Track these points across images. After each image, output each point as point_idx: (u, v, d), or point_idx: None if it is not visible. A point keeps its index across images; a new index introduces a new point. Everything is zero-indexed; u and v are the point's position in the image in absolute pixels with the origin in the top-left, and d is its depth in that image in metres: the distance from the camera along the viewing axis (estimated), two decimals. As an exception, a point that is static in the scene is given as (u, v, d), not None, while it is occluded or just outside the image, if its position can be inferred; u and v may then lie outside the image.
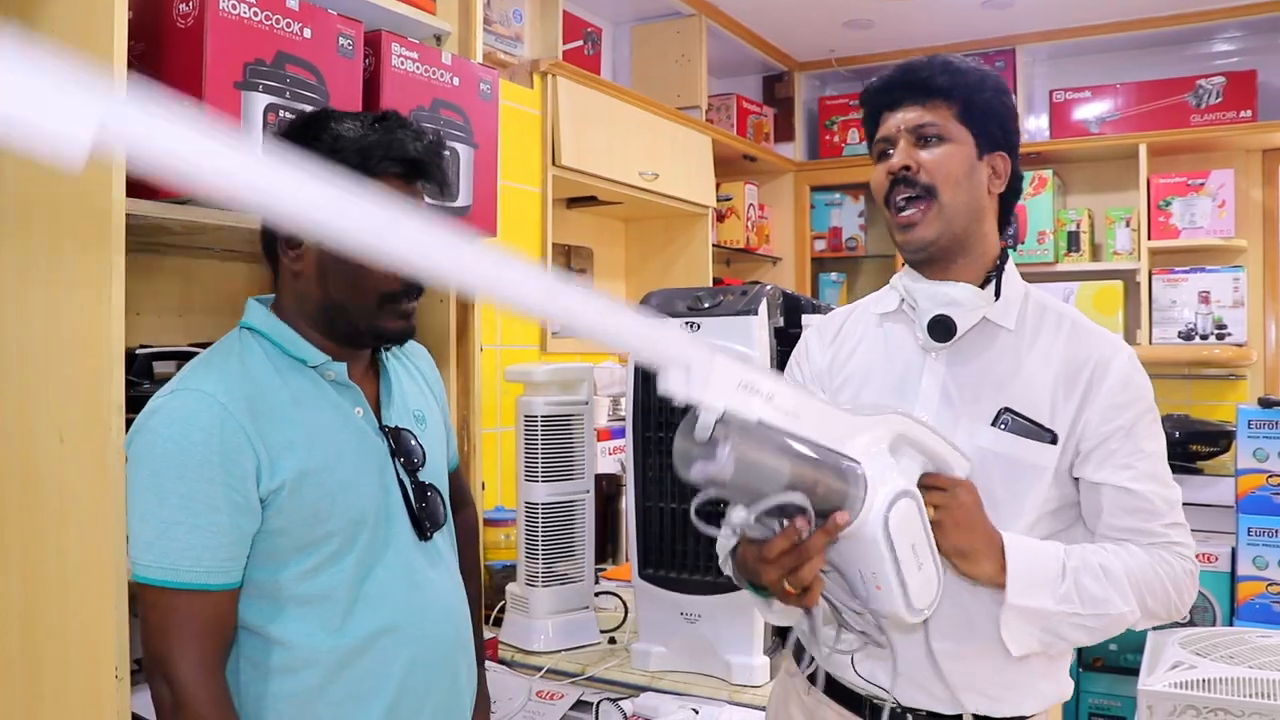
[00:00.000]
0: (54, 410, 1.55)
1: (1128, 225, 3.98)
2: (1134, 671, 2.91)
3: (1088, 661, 3.39)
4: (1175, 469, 3.88)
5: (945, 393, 1.38)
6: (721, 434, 0.99)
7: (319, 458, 1.31)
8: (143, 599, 1.27)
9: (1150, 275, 3.90)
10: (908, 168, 1.36)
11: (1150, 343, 3.89)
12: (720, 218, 4.14)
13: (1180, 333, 3.86)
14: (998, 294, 1.39)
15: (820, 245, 4.56)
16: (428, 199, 1.45)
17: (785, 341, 2.03)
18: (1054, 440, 1.33)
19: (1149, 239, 3.88)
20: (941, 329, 1.37)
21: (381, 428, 1.42)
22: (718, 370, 0.97)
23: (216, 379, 1.28)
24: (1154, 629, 3.18)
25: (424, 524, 1.43)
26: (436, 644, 1.42)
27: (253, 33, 1.62)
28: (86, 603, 1.50)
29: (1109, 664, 3.37)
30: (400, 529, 1.40)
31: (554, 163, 2.93)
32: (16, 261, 1.61)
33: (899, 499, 1.14)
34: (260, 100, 1.63)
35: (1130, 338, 3.97)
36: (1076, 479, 1.37)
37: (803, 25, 4.09)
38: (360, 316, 1.36)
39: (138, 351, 1.74)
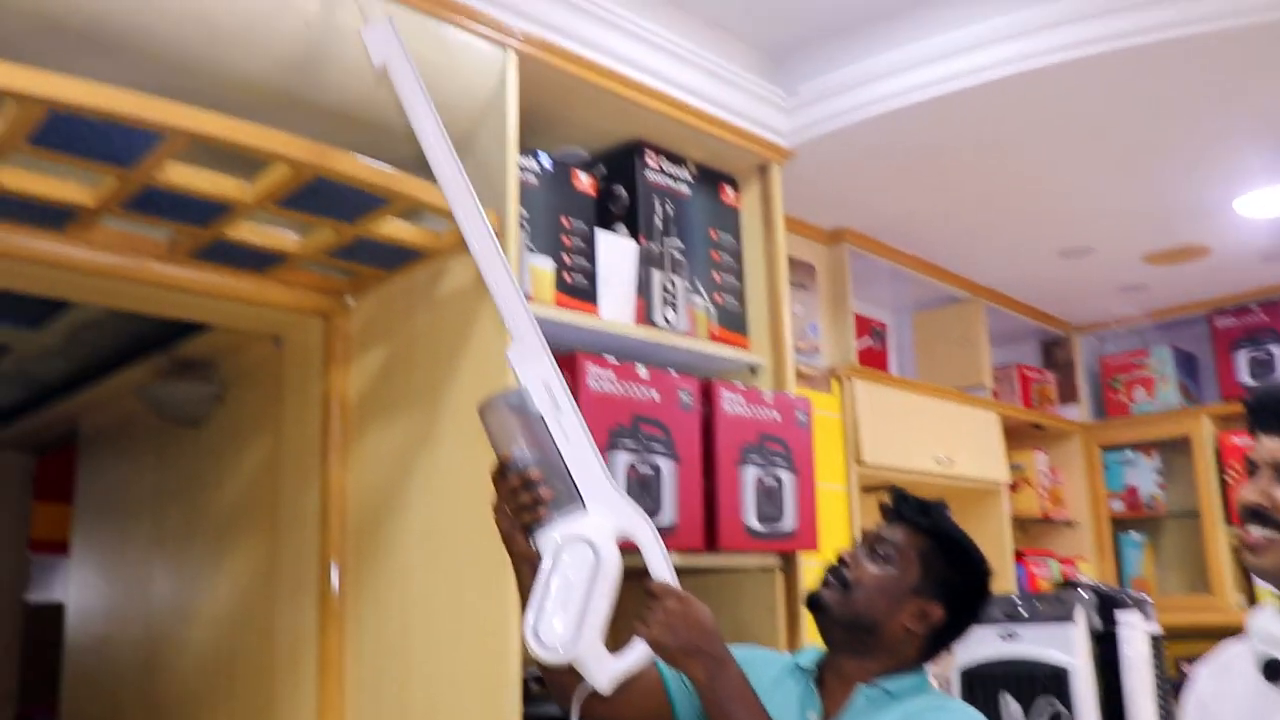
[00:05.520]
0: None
1: None
2: None
3: None
4: None
5: None
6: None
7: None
8: None
9: None
10: (1261, 505, 1.30)
11: None
12: (1013, 487, 4.17)
13: None
14: None
15: (1118, 505, 4.46)
16: None
17: (1102, 641, 2.07)
18: None
19: None
20: (1273, 671, 1.32)
21: None
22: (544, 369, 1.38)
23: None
24: None
25: None
26: None
27: (615, 403, 1.95)
28: None
29: None
30: None
31: (857, 461, 3.13)
32: (429, 573, 1.95)
33: (579, 542, 1.34)
34: (623, 459, 1.93)
35: None
36: None
37: (1078, 294, 4.18)
38: None
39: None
